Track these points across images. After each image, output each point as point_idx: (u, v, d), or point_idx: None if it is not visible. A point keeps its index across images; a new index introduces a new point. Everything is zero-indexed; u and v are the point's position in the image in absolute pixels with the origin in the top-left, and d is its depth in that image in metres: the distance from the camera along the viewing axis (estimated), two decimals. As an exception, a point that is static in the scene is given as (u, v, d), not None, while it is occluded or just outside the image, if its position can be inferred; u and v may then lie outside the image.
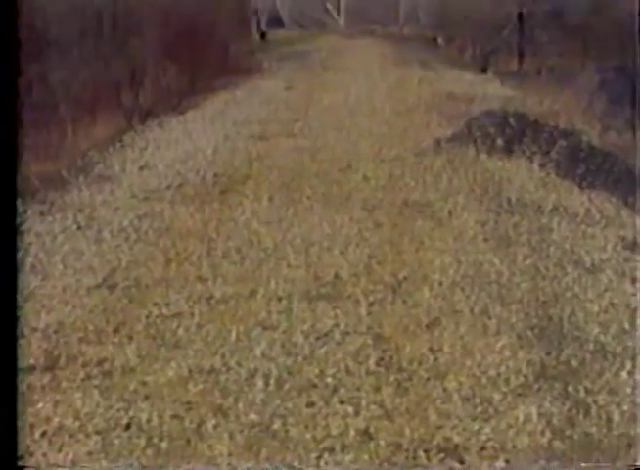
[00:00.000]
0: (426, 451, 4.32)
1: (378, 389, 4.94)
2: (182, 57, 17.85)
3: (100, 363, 5.26)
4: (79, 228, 8.01)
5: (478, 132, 11.77)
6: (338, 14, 40.85)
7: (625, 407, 4.74)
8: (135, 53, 17.95)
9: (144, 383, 5.04)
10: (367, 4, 40.06)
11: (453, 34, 34.08)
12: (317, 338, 5.61)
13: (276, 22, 39.40)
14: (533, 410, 4.71)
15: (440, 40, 35.51)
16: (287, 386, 4.99)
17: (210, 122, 13.92)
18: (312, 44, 32.68)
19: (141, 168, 10.47)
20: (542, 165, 10.20)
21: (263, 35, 37.90)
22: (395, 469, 4.14)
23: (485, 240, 7.59)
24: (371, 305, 6.15)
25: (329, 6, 41.02)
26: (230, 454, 4.32)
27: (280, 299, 6.24)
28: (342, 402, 4.82)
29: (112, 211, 8.59)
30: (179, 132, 13.01)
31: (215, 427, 4.57)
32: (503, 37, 29.88)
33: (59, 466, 4.26)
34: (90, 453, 4.32)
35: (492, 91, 17.78)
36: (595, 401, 4.83)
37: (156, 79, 16.28)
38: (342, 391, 4.94)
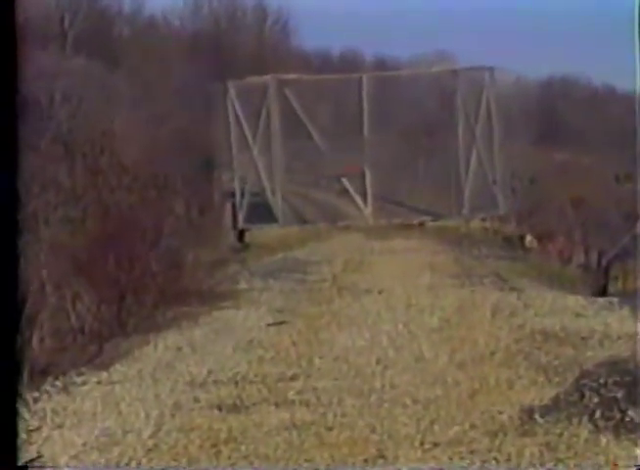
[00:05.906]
0: None
1: None
2: (104, 274, 18.27)
3: None
4: None
5: (595, 397, 11.91)
6: (363, 200, 41.45)
7: None
8: (26, 266, 18.34)
9: None
10: (407, 183, 41.06)
11: (551, 230, 34.98)
12: None
13: (263, 212, 40.29)
14: None
15: (530, 239, 36.40)
16: None
17: (152, 382, 14.09)
18: (320, 248, 33.36)
19: (30, 464, 10.40)
20: None
21: (241, 235, 39.01)
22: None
23: None
24: None
25: (347, 186, 41.57)
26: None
27: None
28: None
29: None
30: (98, 400, 13.10)
31: None
32: (635, 234, 30.54)
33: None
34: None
35: (617, 326, 17.93)
36: None
37: (60, 311, 16.61)
38: None
